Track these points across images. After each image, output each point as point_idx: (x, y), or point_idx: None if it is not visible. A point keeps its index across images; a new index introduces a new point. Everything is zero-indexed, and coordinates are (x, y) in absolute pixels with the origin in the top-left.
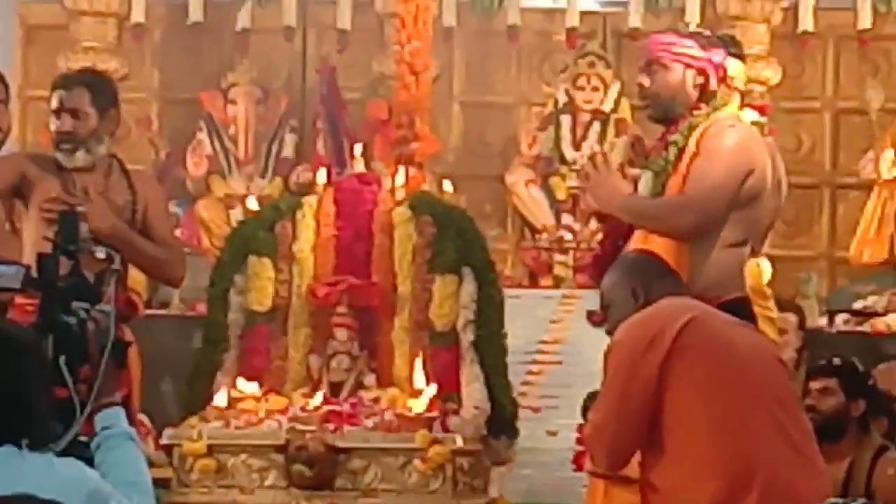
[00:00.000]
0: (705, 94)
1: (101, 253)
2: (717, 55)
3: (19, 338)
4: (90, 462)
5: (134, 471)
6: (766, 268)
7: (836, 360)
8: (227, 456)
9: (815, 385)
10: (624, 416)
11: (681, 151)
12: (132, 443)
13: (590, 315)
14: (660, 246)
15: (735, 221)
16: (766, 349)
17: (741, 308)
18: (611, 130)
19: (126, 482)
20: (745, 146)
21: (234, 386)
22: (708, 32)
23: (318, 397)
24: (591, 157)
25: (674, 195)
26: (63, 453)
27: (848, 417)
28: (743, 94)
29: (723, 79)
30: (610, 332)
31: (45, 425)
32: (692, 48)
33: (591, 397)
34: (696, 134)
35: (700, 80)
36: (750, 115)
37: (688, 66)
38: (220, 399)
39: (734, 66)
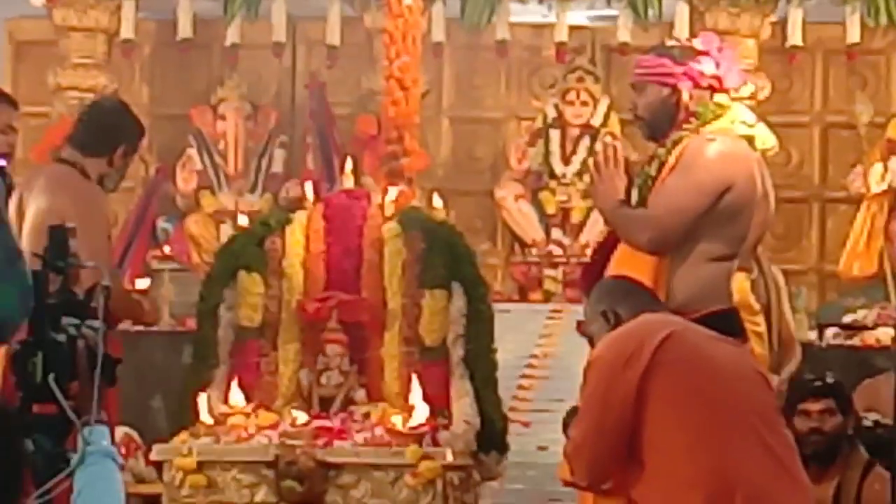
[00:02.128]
0: (697, 107)
1: (90, 263)
2: (696, 64)
3: None
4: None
5: (107, 490)
6: None
7: (830, 379)
8: (217, 471)
9: (815, 406)
10: (604, 431)
11: (663, 165)
12: (112, 463)
13: (579, 325)
14: (641, 258)
15: (716, 236)
16: (746, 364)
17: (725, 320)
18: (600, 145)
19: (97, 503)
20: (723, 161)
21: (224, 401)
22: (688, 44)
23: (302, 415)
24: (604, 148)
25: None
26: (48, 467)
27: (844, 436)
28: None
29: (714, 87)
30: None
31: None
32: (664, 66)
33: (572, 413)
34: (678, 148)
35: (675, 96)
36: (762, 128)
37: (662, 84)
38: (204, 414)
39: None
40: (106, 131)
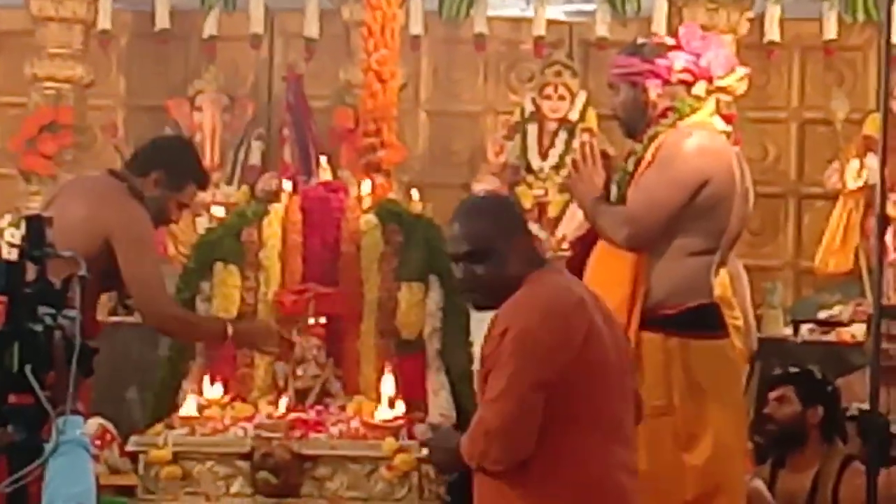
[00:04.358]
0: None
1: (66, 252)
2: (663, 60)
3: None
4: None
5: (78, 479)
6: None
7: (792, 368)
8: (192, 463)
9: (772, 394)
10: (527, 412)
11: (640, 161)
12: (85, 452)
13: None
14: (621, 253)
15: (695, 230)
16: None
17: (705, 315)
18: (577, 139)
19: (67, 491)
20: (700, 155)
21: (200, 393)
22: (660, 41)
23: (283, 405)
24: (581, 146)
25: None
26: (22, 457)
27: (806, 425)
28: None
29: (686, 82)
30: (482, 288)
31: None
32: (633, 65)
33: (438, 431)
34: (655, 143)
35: (644, 95)
36: (718, 123)
37: (632, 83)
38: (188, 408)
39: (678, 62)
40: (147, 152)
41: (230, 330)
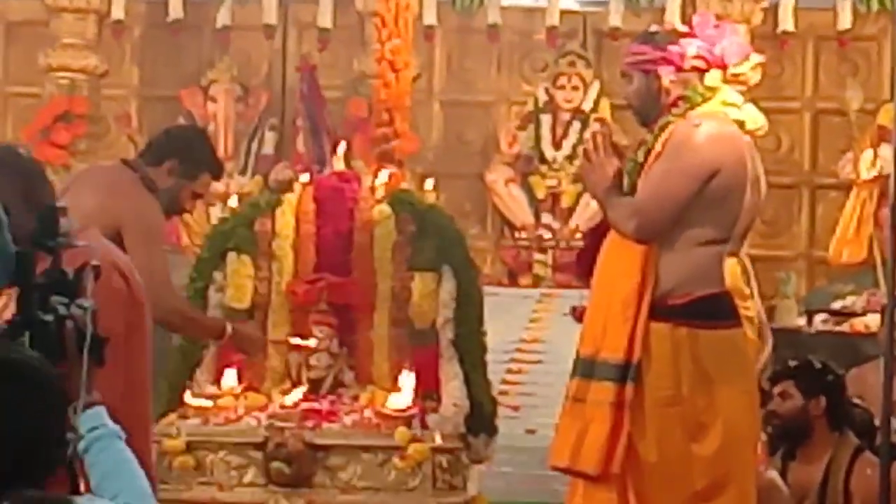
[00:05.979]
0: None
1: (79, 242)
2: (676, 47)
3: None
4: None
5: (129, 473)
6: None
7: (792, 362)
8: (205, 453)
9: (776, 390)
10: None
11: (650, 151)
12: (121, 442)
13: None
14: (631, 243)
15: (705, 220)
16: None
17: (717, 304)
18: (591, 129)
19: (123, 486)
20: (709, 145)
21: (214, 382)
22: (671, 27)
23: (297, 393)
24: (593, 136)
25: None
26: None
27: (809, 417)
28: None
29: (699, 69)
30: None
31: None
32: (645, 53)
33: None
34: (665, 134)
35: (657, 82)
36: (750, 108)
37: (644, 71)
38: (201, 398)
39: (691, 49)
40: (161, 141)
41: (229, 329)
